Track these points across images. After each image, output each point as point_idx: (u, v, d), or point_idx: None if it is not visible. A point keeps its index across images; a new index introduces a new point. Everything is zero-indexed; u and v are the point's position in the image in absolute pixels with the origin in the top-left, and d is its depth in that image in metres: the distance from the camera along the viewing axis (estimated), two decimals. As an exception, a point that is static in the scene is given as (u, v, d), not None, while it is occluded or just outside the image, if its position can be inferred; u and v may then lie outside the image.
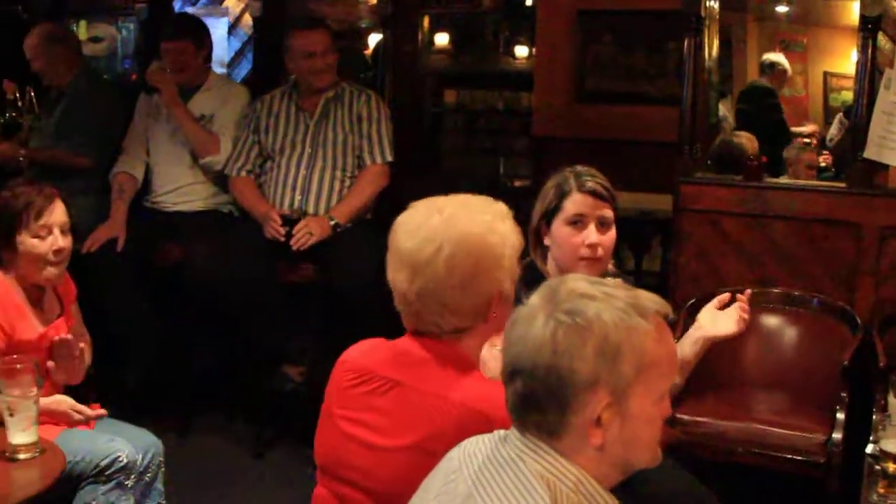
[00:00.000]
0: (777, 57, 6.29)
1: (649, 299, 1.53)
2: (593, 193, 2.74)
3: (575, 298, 1.50)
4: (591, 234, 2.73)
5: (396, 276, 2.00)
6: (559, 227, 2.75)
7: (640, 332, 1.49)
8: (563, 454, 1.51)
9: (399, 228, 2.03)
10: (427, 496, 1.63)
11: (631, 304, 1.50)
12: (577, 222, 2.73)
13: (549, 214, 2.77)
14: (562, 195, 2.75)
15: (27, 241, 2.99)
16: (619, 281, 1.61)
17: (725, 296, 2.81)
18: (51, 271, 3.05)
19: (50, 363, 3.04)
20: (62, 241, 3.05)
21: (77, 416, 2.97)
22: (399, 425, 1.94)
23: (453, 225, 1.96)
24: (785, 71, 6.28)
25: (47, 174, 4.52)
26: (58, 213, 3.06)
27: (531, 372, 1.49)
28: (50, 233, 3.02)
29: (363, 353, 2.09)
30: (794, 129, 6.15)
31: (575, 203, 2.74)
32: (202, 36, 4.87)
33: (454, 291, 1.94)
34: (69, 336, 3.06)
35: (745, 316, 2.73)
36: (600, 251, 2.73)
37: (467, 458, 1.60)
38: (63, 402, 2.97)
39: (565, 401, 1.48)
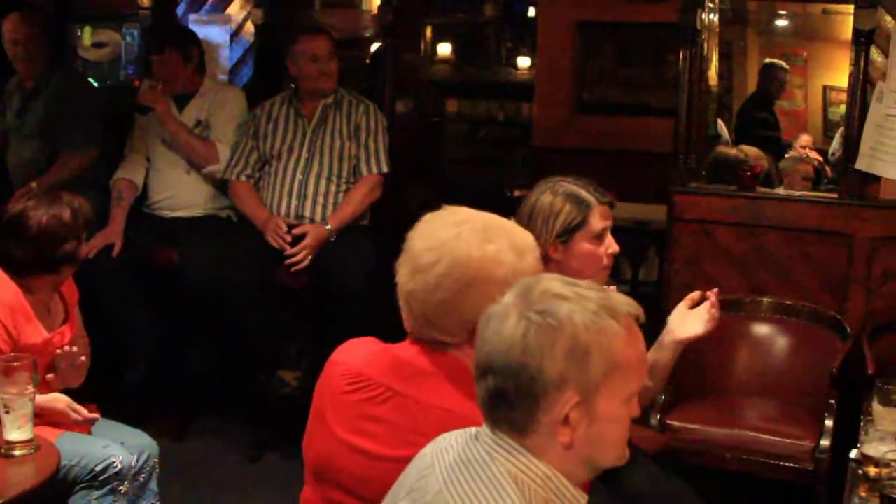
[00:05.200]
0: (775, 61, 6.30)
1: (621, 301, 1.55)
2: (611, 204, 2.73)
3: (548, 299, 1.51)
4: (612, 243, 2.72)
5: (400, 270, 1.96)
6: (582, 243, 2.68)
7: (610, 333, 1.50)
8: (532, 452, 1.52)
9: (420, 226, 1.98)
10: (400, 492, 1.64)
11: (603, 306, 1.51)
12: (601, 236, 2.71)
13: (571, 232, 2.67)
14: (585, 210, 2.68)
15: None
16: (591, 282, 1.61)
17: (695, 294, 2.76)
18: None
19: (50, 376, 3.07)
20: None
21: (74, 416, 3.00)
22: (399, 436, 1.89)
23: (459, 246, 1.90)
24: (778, 72, 6.26)
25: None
26: None
27: (502, 370, 1.51)
28: None
29: (358, 357, 2.05)
30: (790, 140, 6.18)
31: (600, 217, 2.69)
32: (188, 46, 4.83)
33: (437, 306, 1.90)
34: (73, 349, 3.09)
35: (715, 314, 2.70)
36: None
37: (439, 455, 1.61)
38: (60, 400, 3.00)
39: (534, 399, 1.49)
